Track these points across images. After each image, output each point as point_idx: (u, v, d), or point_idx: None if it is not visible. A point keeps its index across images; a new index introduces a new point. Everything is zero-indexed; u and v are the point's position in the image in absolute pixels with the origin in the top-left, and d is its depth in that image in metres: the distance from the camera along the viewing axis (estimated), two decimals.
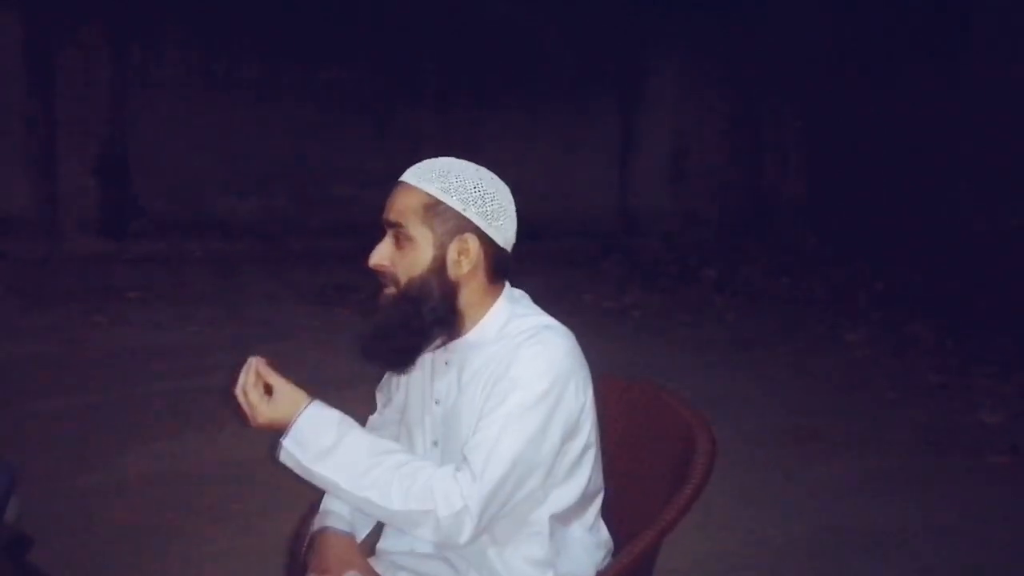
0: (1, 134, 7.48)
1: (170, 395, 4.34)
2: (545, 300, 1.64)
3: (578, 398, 1.50)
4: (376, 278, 1.55)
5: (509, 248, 1.56)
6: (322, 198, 8.17)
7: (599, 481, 1.61)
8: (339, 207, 7.92)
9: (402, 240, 1.50)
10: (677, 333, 5.98)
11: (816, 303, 6.87)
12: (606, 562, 1.61)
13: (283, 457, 1.48)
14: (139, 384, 4.51)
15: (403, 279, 1.51)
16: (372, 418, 1.76)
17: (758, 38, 8.51)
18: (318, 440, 1.45)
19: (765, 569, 3.00)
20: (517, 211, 1.58)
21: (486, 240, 1.51)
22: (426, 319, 1.49)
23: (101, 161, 7.73)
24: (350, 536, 1.57)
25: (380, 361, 1.57)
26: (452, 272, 1.50)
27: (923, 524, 3.31)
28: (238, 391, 1.49)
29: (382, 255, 1.52)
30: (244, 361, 1.52)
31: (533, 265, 6.70)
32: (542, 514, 1.52)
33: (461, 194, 1.50)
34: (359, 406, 1.77)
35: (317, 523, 1.60)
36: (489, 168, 1.58)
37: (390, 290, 1.52)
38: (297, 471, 1.48)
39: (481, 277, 1.53)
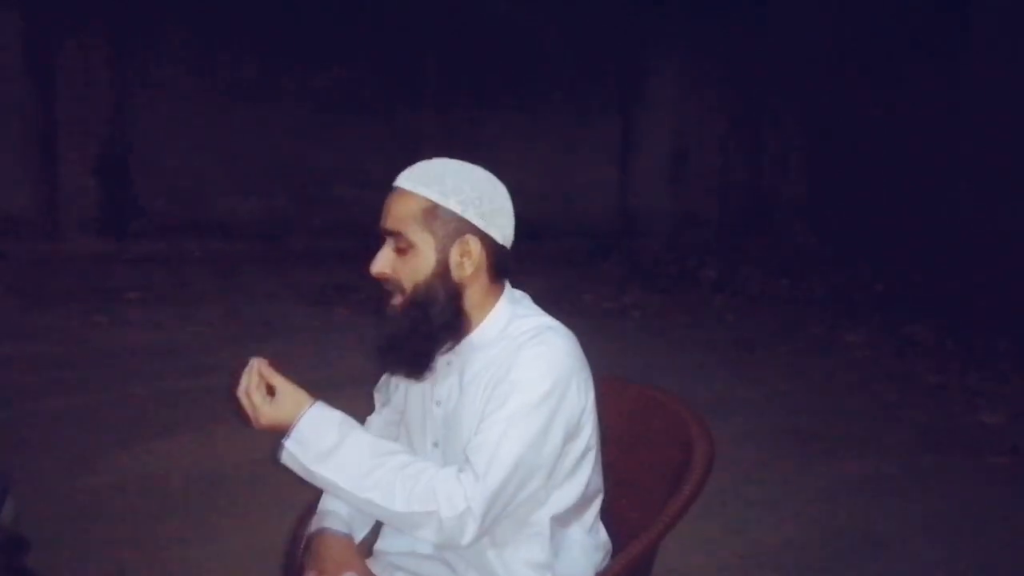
0: (1, 134, 7.47)
1: (170, 395, 4.34)
2: (545, 300, 1.64)
3: (580, 399, 1.50)
4: (379, 283, 1.55)
5: (509, 245, 1.56)
6: (322, 198, 8.17)
7: (599, 482, 1.61)
8: (339, 207, 7.92)
9: (403, 247, 1.49)
10: (676, 334, 5.98)
11: (816, 304, 6.87)
12: (605, 564, 1.61)
13: (285, 458, 1.48)
14: (139, 384, 4.51)
15: (408, 286, 1.50)
16: (371, 418, 1.75)
17: (758, 38, 8.51)
18: (320, 441, 1.45)
19: (764, 570, 2.99)
20: (517, 211, 1.57)
21: (487, 240, 1.51)
22: (435, 323, 1.49)
23: (101, 161, 7.73)
24: (348, 537, 1.57)
25: (396, 370, 1.57)
26: (456, 274, 1.50)
27: (923, 525, 3.31)
28: (240, 392, 1.49)
29: (384, 263, 1.51)
30: (245, 362, 1.52)
31: (533, 265, 6.70)
32: (542, 515, 1.52)
33: (459, 196, 1.49)
34: (359, 406, 1.77)
35: (314, 524, 1.60)
36: (489, 169, 1.57)
37: (396, 298, 1.52)
38: (299, 472, 1.48)
39: (483, 278, 1.53)
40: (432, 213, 1.48)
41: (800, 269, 7.76)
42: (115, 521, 3.13)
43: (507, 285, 1.59)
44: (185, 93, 7.97)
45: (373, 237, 1.54)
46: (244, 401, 1.48)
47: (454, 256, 1.50)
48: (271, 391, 1.49)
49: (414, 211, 1.49)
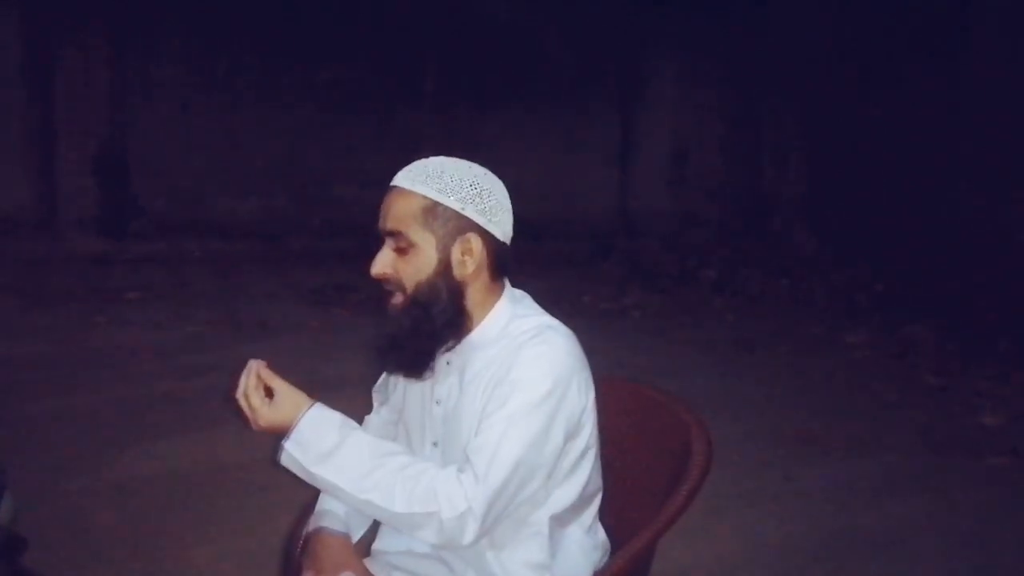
0: (1, 134, 7.47)
1: (168, 396, 4.34)
2: (545, 301, 1.64)
3: (580, 398, 1.50)
4: (379, 283, 1.54)
5: (508, 241, 1.55)
6: (322, 198, 8.17)
7: (598, 482, 1.61)
8: (339, 207, 7.92)
9: (404, 246, 1.49)
10: (676, 334, 5.97)
11: (816, 304, 6.87)
12: (603, 563, 1.61)
13: (284, 460, 1.47)
14: (137, 384, 4.50)
15: (409, 285, 1.50)
16: (369, 418, 1.75)
17: (758, 38, 8.51)
18: (319, 443, 1.44)
19: (763, 570, 2.99)
20: (517, 212, 1.57)
21: (487, 237, 1.51)
22: (437, 322, 1.49)
23: (100, 161, 7.73)
24: (345, 536, 1.56)
25: (397, 370, 1.57)
26: (458, 272, 1.50)
27: (923, 525, 3.31)
28: (239, 395, 1.48)
29: (385, 264, 1.51)
30: (244, 364, 1.51)
31: (533, 266, 6.70)
32: (542, 515, 1.52)
33: (458, 193, 1.48)
34: (358, 406, 1.77)
35: (312, 523, 1.59)
36: (488, 168, 1.57)
37: (397, 298, 1.51)
38: (298, 474, 1.48)
39: (484, 276, 1.52)
40: (432, 211, 1.48)
41: (800, 269, 7.76)
42: (113, 521, 3.12)
43: (507, 284, 1.59)
44: (184, 93, 7.97)
45: (373, 237, 1.54)
46: (243, 403, 1.48)
47: (456, 254, 1.49)
48: (270, 393, 1.48)
49: (414, 210, 1.48)
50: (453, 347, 1.53)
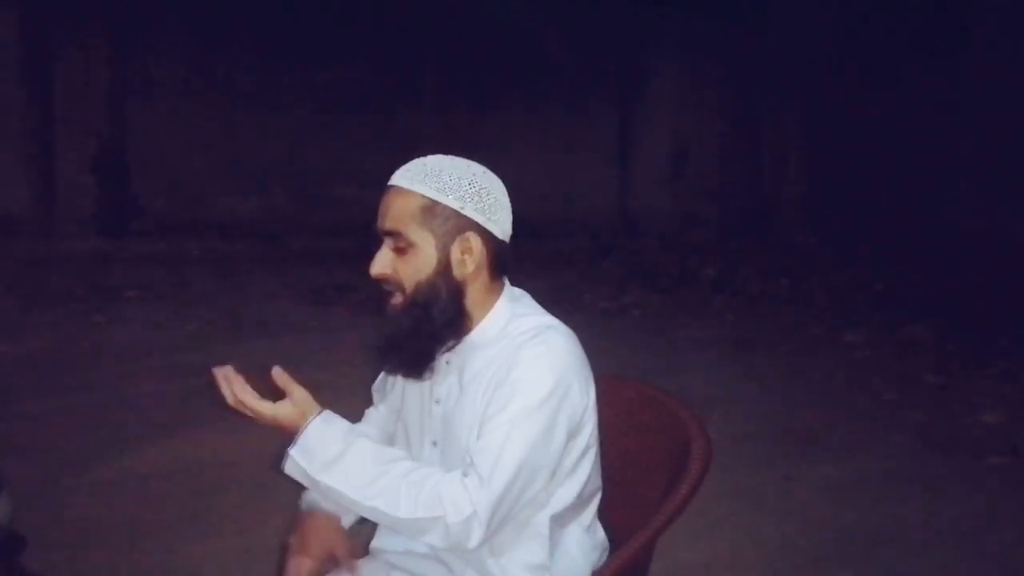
0: (0, 133, 7.47)
1: (167, 395, 4.34)
2: (545, 300, 1.64)
3: (581, 398, 1.49)
4: (378, 283, 1.54)
5: (507, 239, 1.55)
6: (321, 198, 8.17)
7: (597, 481, 1.61)
8: (338, 207, 7.92)
9: (403, 246, 1.48)
10: (676, 333, 5.97)
11: (815, 304, 6.87)
12: (602, 562, 1.60)
13: (289, 467, 1.46)
14: (137, 383, 4.51)
15: (409, 285, 1.49)
16: (369, 411, 1.75)
17: (758, 38, 8.51)
18: (324, 451, 1.44)
19: (763, 569, 2.99)
20: (516, 211, 1.56)
21: (487, 236, 1.50)
22: (437, 322, 1.48)
23: (100, 160, 7.74)
24: (335, 518, 1.56)
25: (397, 370, 1.56)
26: (457, 272, 1.49)
27: (923, 525, 3.31)
28: (233, 404, 1.47)
29: (384, 264, 1.50)
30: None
31: (533, 265, 6.70)
32: (543, 516, 1.52)
33: (457, 192, 1.48)
34: (358, 405, 1.77)
35: (304, 503, 1.59)
36: (488, 168, 1.56)
37: (396, 298, 1.51)
38: (303, 481, 1.47)
39: (484, 275, 1.52)
40: (431, 211, 1.47)
41: (800, 269, 7.75)
42: (111, 520, 3.12)
43: (507, 283, 1.58)
44: (184, 93, 7.97)
45: (372, 237, 1.53)
46: (242, 409, 1.47)
47: (455, 253, 1.48)
48: (282, 394, 1.47)
49: (412, 209, 1.47)
50: (453, 347, 1.53)
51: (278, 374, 1.47)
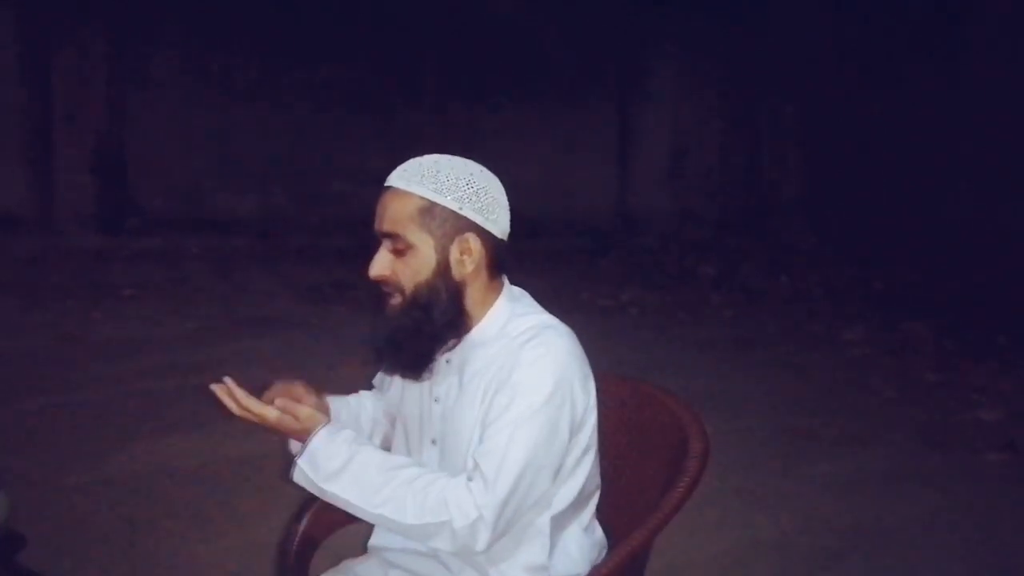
0: None
1: (165, 392, 4.33)
2: (543, 298, 1.64)
3: (582, 397, 1.49)
4: (376, 283, 1.54)
5: (506, 238, 1.55)
6: (320, 195, 8.17)
7: (596, 480, 1.61)
8: (337, 205, 7.92)
9: (401, 248, 1.48)
10: (675, 331, 5.97)
11: (814, 301, 6.87)
12: (600, 560, 1.60)
13: (297, 477, 1.48)
14: (135, 381, 4.50)
15: (409, 287, 1.49)
16: (365, 392, 1.75)
17: (758, 37, 8.51)
18: (330, 460, 1.45)
19: (761, 567, 2.99)
20: (516, 209, 1.56)
21: (485, 235, 1.50)
22: (437, 323, 1.48)
23: (98, 158, 7.73)
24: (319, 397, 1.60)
25: (397, 371, 1.57)
26: (457, 272, 1.49)
27: (921, 521, 3.31)
28: (240, 414, 1.48)
29: (383, 266, 1.50)
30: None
31: (532, 263, 6.70)
32: (544, 516, 1.52)
33: (455, 193, 1.47)
34: None
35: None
36: (488, 166, 1.56)
37: (396, 299, 1.51)
38: (311, 490, 1.48)
39: (483, 274, 1.52)
40: (429, 212, 1.47)
41: (799, 267, 7.75)
42: (111, 518, 3.12)
43: (506, 282, 1.58)
44: (183, 90, 7.97)
45: (371, 235, 1.53)
46: (247, 416, 1.48)
47: (454, 254, 1.48)
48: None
49: (410, 211, 1.47)
50: (454, 347, 1.53)
51: (281, 403, 1.49)
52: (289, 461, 1.50)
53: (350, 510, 1.47)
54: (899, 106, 8.06)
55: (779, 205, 9.02)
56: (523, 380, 1.44)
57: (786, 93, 8.79)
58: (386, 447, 1.69)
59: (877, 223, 8.01)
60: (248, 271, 7.03)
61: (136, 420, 3.99)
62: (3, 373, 4.51)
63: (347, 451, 1.45)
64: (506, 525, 1.43)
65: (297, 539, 1.70)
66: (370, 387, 1.77)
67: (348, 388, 1.78)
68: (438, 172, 1.48)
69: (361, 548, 1.67)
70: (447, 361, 1.55)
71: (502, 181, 1.56)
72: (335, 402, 1.67)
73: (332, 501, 1.47)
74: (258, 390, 1.53)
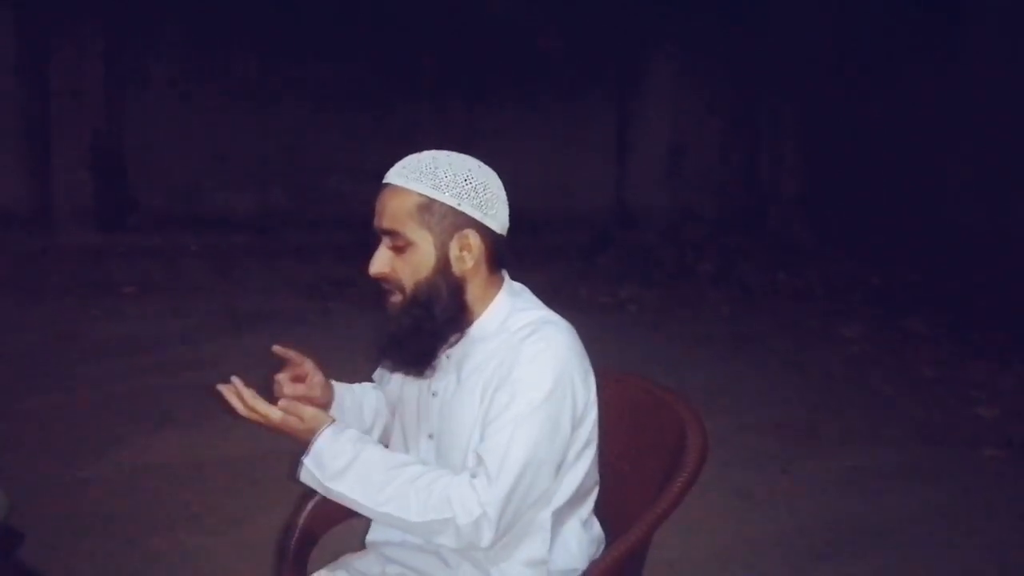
0: None
1: (164, 389, 4.33)
2: (542, 294, 1.64)
3: (583, 392, 1.50)
4: (376, 280, 1.54)
5: (505, 233, 1.55)
6: (318, 192, 8.16)
7: (595, 475, 1.61)
8: (335, 201, 7.91)
9: (401, 245, 1.48)
10: (673, 327, 5.98)
11: (812, 298, 6.88)
12: (599, 555, 1.61)
13: (303, 476, 1.48)
14: (133, 378, 4.50)
15: (409, 284, 1.49)
16: (368, 383, 1.76)
17: (757, 34, 8.50)
18: (335, 460, 1.45)
19: (759, 562, 3.00)
20: (514, 206, 1.56)
21: (484, 231, 1.50)
22: (438, 320, 1.49)
23: (96, 155, 7.72)
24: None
25: (400, 368, 1.57)
26: (457, 269, 1.49)
27: (919, 517, 3.32)
28: (246, 415, 1.48)
29: (382, 263, 1.50)
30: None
31: (530, 260, 6.69)
32: (545, 512, 1.53)
33: (453, 189, 1.47)
34: None
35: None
36: (486, 163, 1.56)
37: (396, 297, 1.51)
38: (317, 488, 1.49)
39: (483, 270, 1.52)
40: (428, 208, 1.47)
41: (797, 264, 7.76)
42: (108, 514, 3.12)
43: (506, 277, 1.58)
44: (181, 88, 7.96)
45: (370, 232, 1.53)
46: (254, 416, 1.48)
47: (454, 250, 1.48)
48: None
49: (409, 208, 1.47)
50: (455, 343, 1.53)
51: (285, 403, 1.49)
52: (296, 460, 1.50)
53: (355, 508, 1.47)
54: (899, 105, 8.06)
55: (778, 203, 9.02)
56: (524, 377, 1.44)
57: (786, 91, 8.78)
58: (386, 439, 1.69)
59: (876, 221, 8.01)
60: (247, 268, 7.02)
61: (135, 417, 3.99)
62: (2, 371, 4.51)
63: (351, 450, 1.45)
64: (510, 522, 1.43)
65: (295, 535, 1.71)
66: (370, 381, 1.78)
67: (346, 382, 1.78)
68: (436, 168, 1.48)
69: (359, 544, 1.68)
70: (447, 356, 1.55)
71: (501, 178, 1.56)
72: (339, 388, 1.68)
73: (338, 500, 1.47)
74: (259, 388, 1.53)
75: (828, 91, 8.43)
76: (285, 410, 1.48)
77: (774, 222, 8.90)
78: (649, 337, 5.73)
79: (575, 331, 1.54)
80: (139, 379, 4.49)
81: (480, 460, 1.43)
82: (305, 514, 1.73)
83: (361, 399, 1.72)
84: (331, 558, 1.68)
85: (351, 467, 1.44)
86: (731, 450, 3.70)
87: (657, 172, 8.88)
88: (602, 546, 1.64)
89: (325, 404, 1.64)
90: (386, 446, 1.60)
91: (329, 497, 1.48)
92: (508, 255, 1.56)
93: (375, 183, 1.54)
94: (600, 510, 1.65)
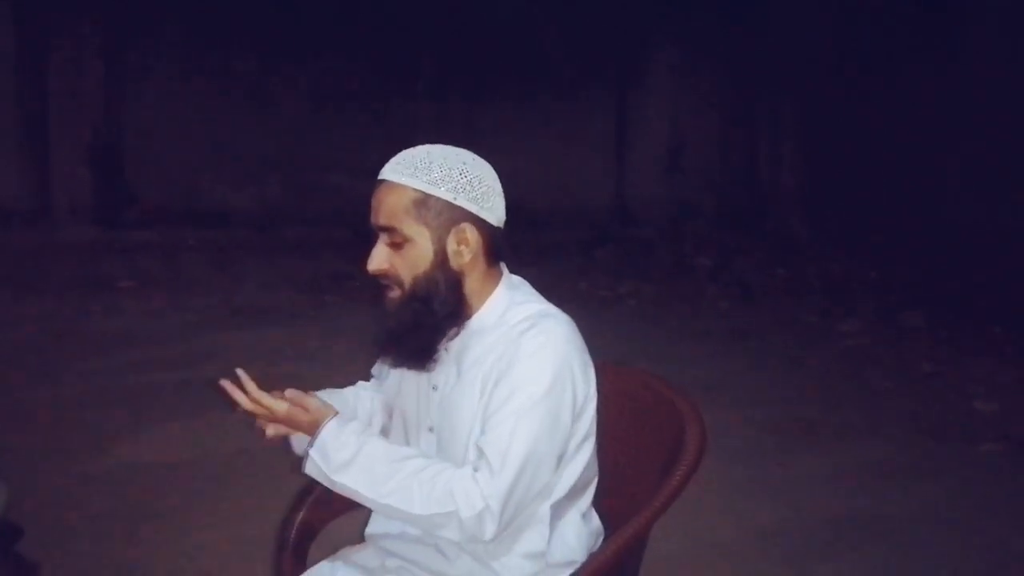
0: None
1: (162, 384, 4.34)
2: (540, 289, 1.64)
3: (583, 385, 1.50)
4: (374, 276, 1.54)
5: (501, 225, 1.55)
6: (316, 187, 8.16)
7: (594, 468, 1.62)
8: (334, 196, 7.90)
9: (398, 241, 1.48)
10: (672, 322, 5.98)
11: (811, 294, 6.88)
12: (597, 548, 1.61)
13: (309, 468, 1.49)
14: (132, 373, 4.50)
15: (407, 279, 1.49)
16: (362, 383, 1.76)
17: (757, 31, 8.50)
18: (340, 451, 1.46)
19: (757, 557, 3.01)
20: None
21: (481, 224, 1.50)
22: (438, 314, 1.49)
23: (94, 150, 7.71)
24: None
25: (400, 363, 1.57)
26: (454, 263, 1.49)
27: (917, 511, 3.32)
28: (249, 409, 1.49)
29: (381, 260, 1.50)
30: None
31: (530, 254, 6.70)
32: (545, 504, 1.53)
33: (448, 184, 1.47)
34: None
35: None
36: (486, 159, 1.56)
37: (395, 292, 1.51)
38: (322, 481, 1.49)
39: (481, 263, 1.52)
40: (424, 204, 1.47)
41: (796, 259, 7.77)
42: (108, 508, 3.13)
43: (505, 270, 1.58)
44: (179, 83, 7.95)
45: (368, 227, 1.53)
46: (258, 410, 1.49)
47: (451, 245, 1.49)
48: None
49: (405, 204, 1.47)
50: (454, 337, 1.54)
51: (291, 393, 1.50)
52: (288, 455, 1.50)
53: (359, 500, 1.48)
54: (899, 104, 8.06)
55: (777, 199, 9.02)
56: (524, 370, 1.45)
57: (785, 89, 8.79)
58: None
59: (875, 218, 8.02)
60: (245, 263, 7.02)
61: (133, 412, 4.00)
62: (0, 366, 4.51)
63: (356, 442, 1.46)
64: (512, 514, 1.44)
65: (295, 528, 1.71)
66: (368, 377, 1.78)
67: (346, 378, 1.78)
68: (431, 163, 1.48)
69: (359, 536, 1.68)
70: (446, 350, 1.55)
71: (502, 176, 1.56)
72: (331, 397, 1.67)
73: (342, 492, 1.48)
74: (258, 382, 1.53)
75: (828, 89, 8.43)
76: (291, 401, 1.48)
77: (773, 218, 8.91)
78: (648, 332, 5.73)
79: (574, 324, 1.54)
80: (138, 374, 4.49)
81: (481, 453, 1.43)
82: (304, 507, 1.73)
83: (355, 405, 1.72)
84: (330, 551, 1.68)
85: (355, 459, 1.45)
86: (729, 445, 3.71)
87: (656, 169, 8.89)
88: (601, 539, 1.64)
89: None
90: None
91: (333, 489, 1.49)
92: (506, 248, 1.56)
93: (374, 179, 1.54)
94: (599, 503, 1.65)
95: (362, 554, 1.63)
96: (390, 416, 1.69)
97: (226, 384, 1.49)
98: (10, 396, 4.09)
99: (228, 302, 5.92)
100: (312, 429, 1.48)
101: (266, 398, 1.48)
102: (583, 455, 1.56)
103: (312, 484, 1.57)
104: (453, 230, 1.48)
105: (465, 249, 1.49)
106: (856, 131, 8.25)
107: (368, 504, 1.48)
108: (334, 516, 1.76)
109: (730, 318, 6.17)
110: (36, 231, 7.32)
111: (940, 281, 6.93)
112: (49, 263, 6.75)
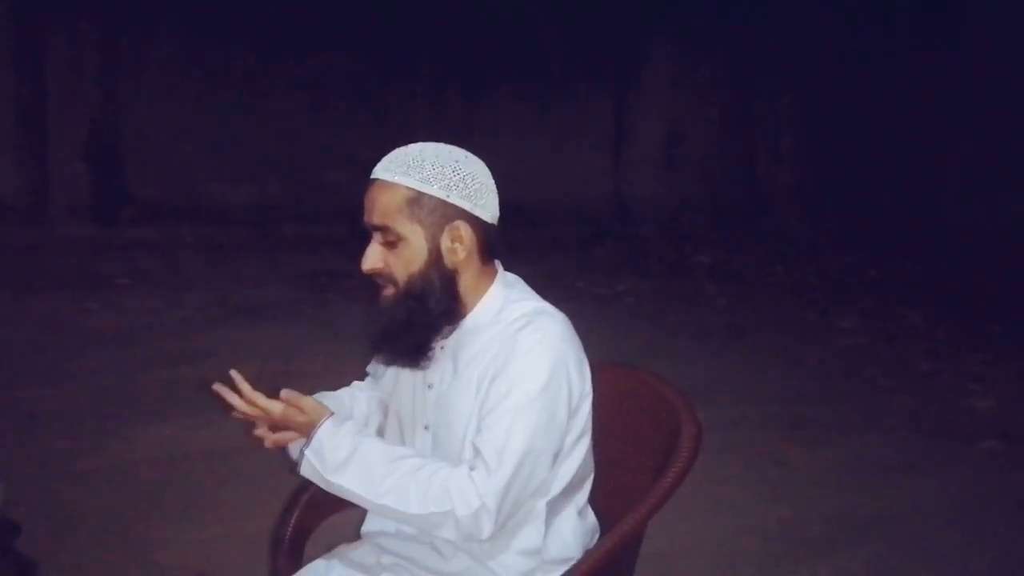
0: None
1: (159, 382, 4.33)
2: (538, 286, 1.64)
3: (578, 382, 1.51)
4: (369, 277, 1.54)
5: (495, 222, 1.55)
6: (314, 184, 8.14)
7: (590, 464, 1.62)
8: (331, 193, 7.89)
9: (392, 240, 1.48)
10: (670, 320, 5.98)
11: (809, 290, 6.88)
12: (593, 545, 1.61)
13: (304, 469, 1.49)
14: (128, 371, 4.50)
15: (402, 278, 1.49)
16: (358, 383, 1.76)
17: (755, 30, 8.49)
18: (336, 452, 1.46)
19: (754, 554, 3.01)
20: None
21: (475, 221, 1.50)
22: (432, 313, 1.49)
23: (92, 147, 7.69)
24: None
25: (395, 361, 1.57)
26: (449, 261, 1.49)
27: (914, 510, 3.33)
28: (244, 410, 1.48)
29: (375, 259, 1.50)
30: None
31: (526, 251, 6.70)
32: (541, 501, 1.53)
33: (441, 181, 1.47)
34: None
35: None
36: (483, 156, 1.56)
37: (389, 290, 1.51)
38: (317, 482, 1.49)
39: (476, 260, 1.52)
40: (417, 202, 1.47)
41: (794, 256, 7.77)
42: (107, 506, 3.13)
43: (500, 267, 1.58)
44: (176, 79, 7.93)
45: (365, 225, 1.53)
46: (253, 411, 1.49)
47: (445, 243, 1.49)
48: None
49: (398, 202, 1.47)
50: (449, 334, 1.54)
51: (286, 394, 1.49)
52: (283, 458, 1.50)
53: (355, 500, 1.48)
54: (898, 103, 8.06)
55: (776, 197, 9.02)
56: (520, 368, 1.45)
57: (785, 86, 8.78)
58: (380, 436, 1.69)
59: (874, 216, 8.03)
60: (243, 260, 7.02)
61: (131, 409, 3.99)
62: None
63: (351, 442, 1.46)
64: (508, 512, 1.44)
65: (291, 526, 1.71)
66: (364, 375, 1.78)
67: (342, 375, 1.78)
68: (423, 161, 1.48)
69: (355, 534, 1.68)
70: (441, 348, 1.55)
71: (499, 172, 1.55)
72: (327, 399, 1.66)
73: (338, 493, 1.47)
74: (255, 381, 1.53)
75: (827, 87, 8.43)
76: (287, 402, 1.48)
77: (772, 217, 8.90)
78: (645, 329, 5.73)
79: (569, 321, 1.54)
80: (135, 371, 4.49)
81: (477, 452, 1.43)
82: (300, 506, 1.73)
83: (350, 406, 1.72)
84: (326, 548, 1.68)
85: (351, 460, 1.45)
86: (726, 441, 3.71)
87: (654, 165, 8.88)
88: (596, 535, 1.65)
89: None
90: None
91: (329, 490, 1.48)
92: (501, 245, 1.56)
93: (370, 175, 1.54)
94: (594, 500, 1.65)
95: (358, 552, 1.64)
96: (385, 416, 1.69)
97: (220, 388, 1.49)
98: (7, 393, 4.09)
99: (226, 299, 5.91)
100: (308, 430, 1.48)
101: (261, 399, 1.48)
102: (579, 452, 1.56)
103: (307, 483, 1.56)
104: (447, 228, 1.48)
105: (459, 247, 1.49)
106: (856, 129, 8.26)
107: (364, 504, 1.48)
108: (330, 513, 1.76)
109: (728, 315, 6.17)
110: (33, 229, 7.31)
111: (939, 280, 6.94)
112: (47, 261, 6.74)
